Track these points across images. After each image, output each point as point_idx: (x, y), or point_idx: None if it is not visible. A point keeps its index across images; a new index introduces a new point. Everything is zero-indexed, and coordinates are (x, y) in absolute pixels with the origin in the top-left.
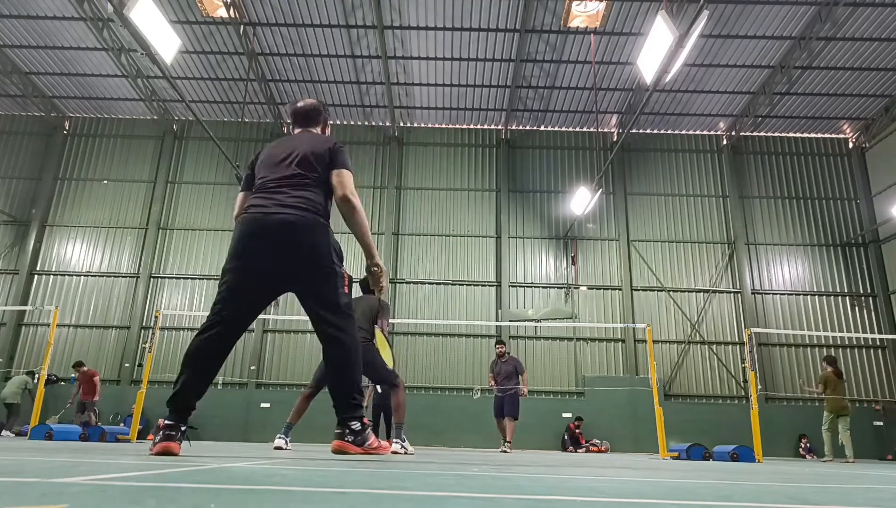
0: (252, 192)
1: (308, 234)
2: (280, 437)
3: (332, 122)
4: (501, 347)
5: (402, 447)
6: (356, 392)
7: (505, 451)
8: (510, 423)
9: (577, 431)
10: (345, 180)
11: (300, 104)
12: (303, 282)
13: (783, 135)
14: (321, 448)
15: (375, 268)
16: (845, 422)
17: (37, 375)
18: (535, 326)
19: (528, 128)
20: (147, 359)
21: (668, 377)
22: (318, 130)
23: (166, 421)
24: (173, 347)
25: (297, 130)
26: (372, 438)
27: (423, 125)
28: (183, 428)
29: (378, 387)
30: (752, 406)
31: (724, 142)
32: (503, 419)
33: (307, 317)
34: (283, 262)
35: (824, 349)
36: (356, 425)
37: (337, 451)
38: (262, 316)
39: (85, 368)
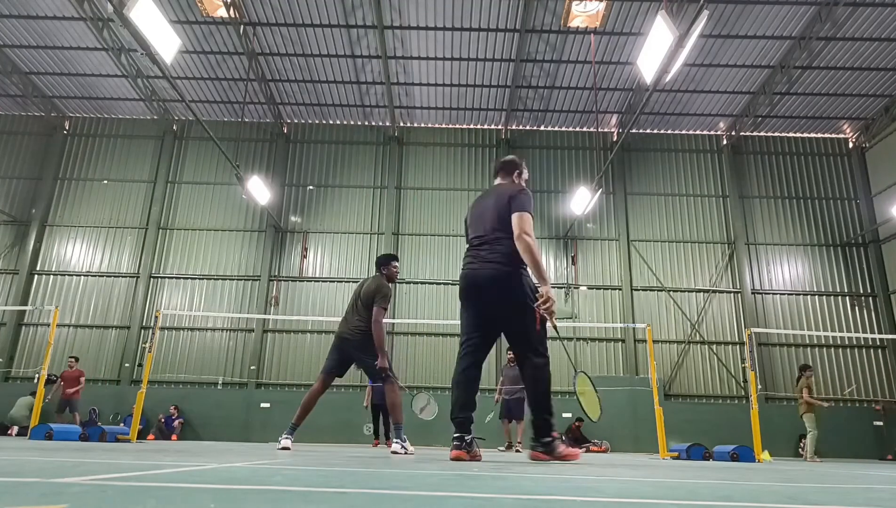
0: (467, 248)
1: (506, 284)
2: (286, 437)
3: (331, 122)
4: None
5: (403, 447)
6: (545, 412)
7: (518, 451)
8: (519, 425)
9: (579, 432)
10: (521, 222)
11: (501, 159)
12: (511, 324)
13: (783, 135)
14: (323, 448)
15: (541, 292)
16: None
17: (36, 376)
18: None
19: (528, 128)
20: (147, 359)
21: (668, 377)
22: (510, 179)
23: (454, 434)
24: (173, 347)
25: (496, 180)
26: (561, 447)
27: (423, 125)
28: (468, 438)
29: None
30: (752, 406)
31: (724, 142)
32: (510, 422)
33: (307, 317)
34: (492, 308)
35: (824, 349)
36: (546, 439)
37: (534, 459)
38: (261, 315)
39: (76, 366)
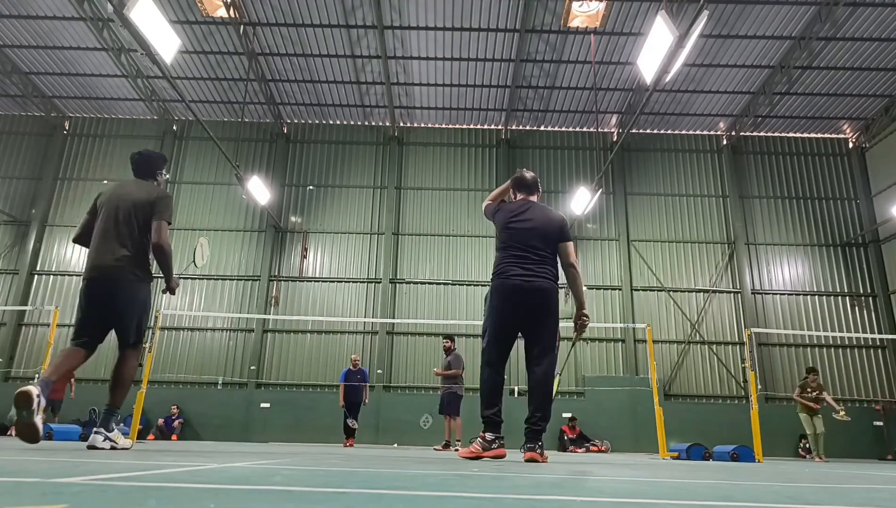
0: (508, 257)
1: (553, 297)
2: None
3: (331, 122)
4: (448, 342)
5: (108, 438)
6: (541, 418)
7: (445, 449)
8: (450, 422)
9: (571, 434)
10: (574, 252)
11: (528, 176)
12: (536, 327)
13: (783, 135)
14: (322, 448)
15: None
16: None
17: (36, 376)
18: None
19: (528, 128)
20: (147, 359)
21: (668, 377)
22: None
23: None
24: (173, 347)
25: (531, 197)
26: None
27: (423, 125)
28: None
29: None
30: (752, 406)
31: (724, 142)
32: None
33: (307, 317)
34: (533, 314)
35: (824, 349)
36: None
37: (529, 460)
38: (261, 316)
39: None
